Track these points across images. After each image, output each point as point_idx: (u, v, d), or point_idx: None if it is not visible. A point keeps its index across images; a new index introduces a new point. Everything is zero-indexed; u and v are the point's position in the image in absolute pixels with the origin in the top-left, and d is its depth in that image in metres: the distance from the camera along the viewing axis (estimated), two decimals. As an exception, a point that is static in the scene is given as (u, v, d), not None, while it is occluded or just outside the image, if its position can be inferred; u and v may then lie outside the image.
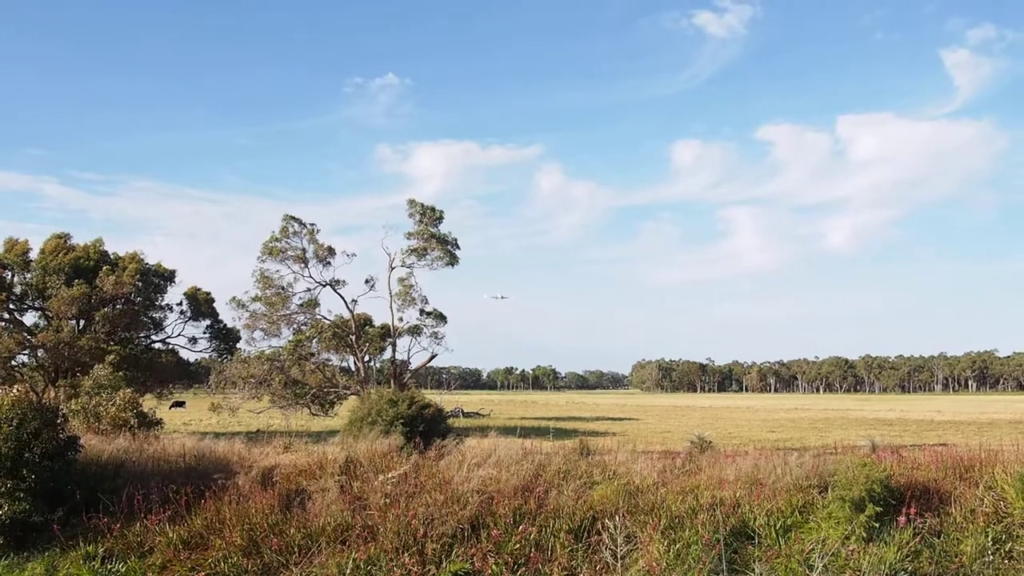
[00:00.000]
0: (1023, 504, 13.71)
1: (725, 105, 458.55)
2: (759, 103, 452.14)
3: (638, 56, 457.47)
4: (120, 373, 32.71)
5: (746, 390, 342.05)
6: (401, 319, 38.75)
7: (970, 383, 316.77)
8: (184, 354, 55.10)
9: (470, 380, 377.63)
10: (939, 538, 13.64)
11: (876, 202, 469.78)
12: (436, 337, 39.45)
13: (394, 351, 39.19)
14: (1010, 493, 14.18)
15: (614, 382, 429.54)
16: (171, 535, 14.31)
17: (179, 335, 54.05)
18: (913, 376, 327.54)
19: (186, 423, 51.28)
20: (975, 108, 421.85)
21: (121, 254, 50.53)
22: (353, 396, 37.07)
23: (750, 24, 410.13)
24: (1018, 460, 15.22)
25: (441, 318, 39.63)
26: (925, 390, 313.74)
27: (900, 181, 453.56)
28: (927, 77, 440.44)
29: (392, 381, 37.47)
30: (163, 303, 52.73)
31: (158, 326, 53.22)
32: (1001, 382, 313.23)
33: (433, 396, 32.06)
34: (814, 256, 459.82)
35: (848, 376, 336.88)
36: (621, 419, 71.54)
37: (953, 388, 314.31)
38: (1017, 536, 13.51)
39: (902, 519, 13.52)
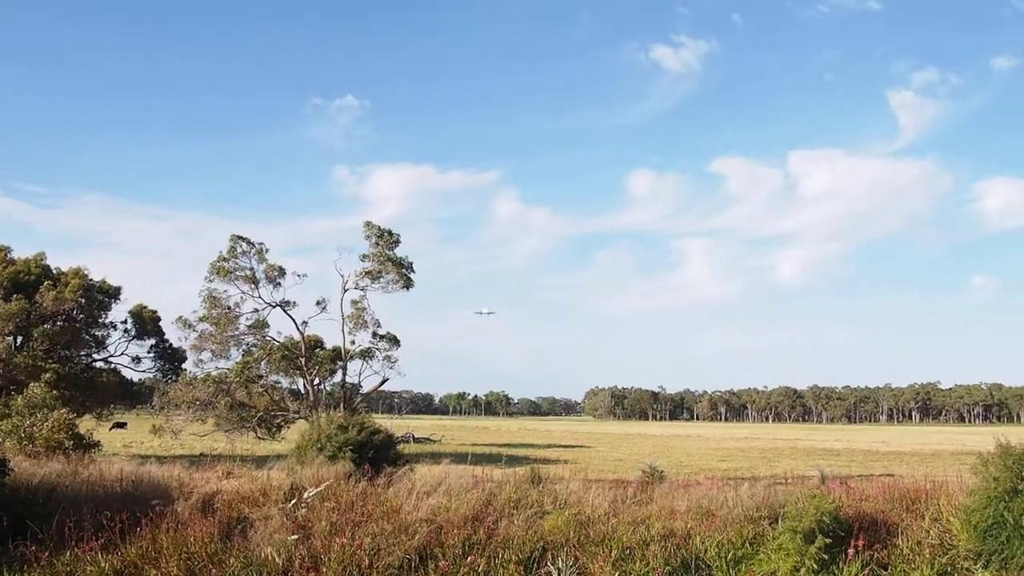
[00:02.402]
0: (967, 536, 13.78)
1: (681, 137, 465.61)
2: (713, 136, 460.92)
3: (596, 87, 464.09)
4: (55, 392, 31.73)
5: (697, 418, 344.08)
6: (353, 342, 38.36)
7: (914, 414, 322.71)
8: (127, 374, 53.86)
9: (422, 405, 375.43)
10: (887, 570, 13.64)
11: (826, 236, 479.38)
12: (389, 361, 39.10)
13: (344, 374, 38.72)
14: (955, 525, 14.26)
15: (567, 409, 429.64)
16: (103, 565, 13.72)
17: (122, 354, 52.88)
18: (859, 407, 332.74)
19: (126, 445, 49.96)
20: (919, 148, 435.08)
21: (64, 269, 49.36)
22: (302, 420, 36.47)
23: (705, 60, 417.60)
24: (962, 492, 15.31)
25: (394, 341, 39.29)
26: (871, 420, 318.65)
27: (849, 216, 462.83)
28: (874, 116, 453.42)
29: (342, 405, 36.94)
30: (107, 321, 51.56)
31: (100, 344, 51.96)
32: (943, 413, 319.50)
33: (384, 421, 31.68)
34: (765, 288, 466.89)
35: (796, 406, 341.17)
36: (573, 446, 71.42)
37: (898, 419, 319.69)
38: (962, 568, 13.56)
39: (851, 551, 13.51)
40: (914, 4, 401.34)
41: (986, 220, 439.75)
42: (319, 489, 14.98)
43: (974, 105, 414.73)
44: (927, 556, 13.76)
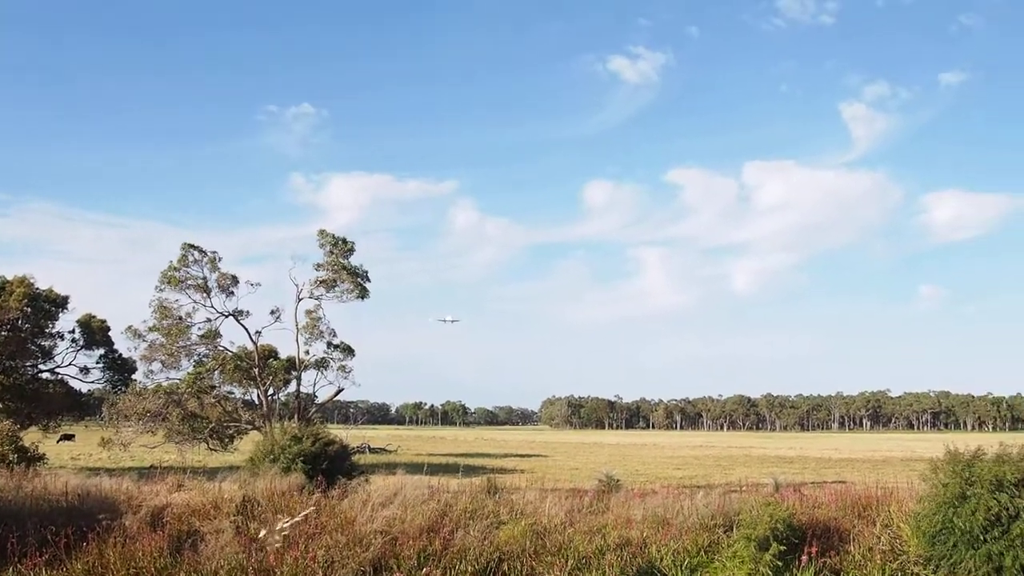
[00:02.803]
0: (917, 542, 13.96)
1: (637, 148, 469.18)
2: (670, 147, 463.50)
3: (554, 97, 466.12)
4: None
5: (653, 427, 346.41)
6: (307, 352, 37.96)
7: (865, 422, 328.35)
8: (75, 384, 52.67)
9: (378, 415, 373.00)
10: (839, 576, 13.78)
11: (779, 247, 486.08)
12: (343, 371, 38.73)
13: (299, 385, 38.31)
14: (905, 531, 14.44)
15: (523, 418, 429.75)
16: (49, 580, 13.37)
17: (70, 364, 51.69)
18: (812, 415, 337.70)
19: (74, 458, 48.90)
20: (871, 160, 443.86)
21: (9, 277, 48.14)
22: (255, 431, 35.95)
23: (663, 71, 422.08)
24: (912, 499, 15.51)
25: (349, 351, 38.94)
26: (823, 428, 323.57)
27: (802, 227, 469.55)
28: (827, 129, 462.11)
29: (296, 415, 36.51)
30: (54, 330, 50.37)
31: (47, 354, 50.75)
32: (893, 421, 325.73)
33: (339, 431, 31.27)
34: (720, 297, 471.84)
35: (751, 414, 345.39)
36: (530, 456, 71.41)
37: (849, 426, 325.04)
38: (912, 573, 13.72)
39: (804, 558, 13.60)
40: (866, 19, 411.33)
41: (934, 231, 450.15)
42: (295, 520, 14.56)
43: (923, 119, 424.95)
44: (878, 562, 13.91)
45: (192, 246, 36.21)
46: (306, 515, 14.78)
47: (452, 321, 79.54)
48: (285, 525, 14.08)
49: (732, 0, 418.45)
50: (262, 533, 13.99)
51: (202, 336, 36.61)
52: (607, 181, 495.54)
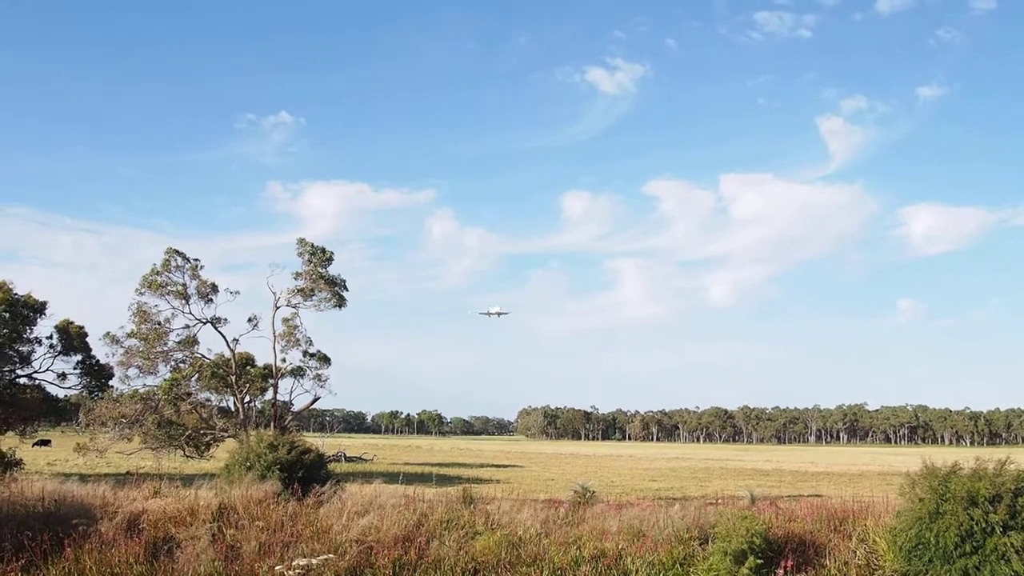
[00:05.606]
0: (893, 557, 14.06)
1: (615, 159, 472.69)
2: (647, 159, 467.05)
3: (531, 108, 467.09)
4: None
5: (629, 438, 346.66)
6: (284, 360, 37.79)
7: (841, 435, 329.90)
8: (52, 390, 52.14)
9: (354, 423, 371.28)
10: (814, 590, 13.87)
11: (756, 259, 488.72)
12: (320, 379, 38.58)
13: (275, 393, 38.08)
14: (881, 546, 14.55)
15: (499, 428, 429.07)
16: (24, 587, 13.29)
17: (47, 370, 51.16)
18: (788, 427, 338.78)
19: (50, 463, 48.54)
20: (847, 173, 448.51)
21: (-14, 283, 47.64)
22: (231, 438, 35.73)
23: (640, 83, 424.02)
24: (888, 513, 15.64)
25: (325, 360, 38.80)
26: (799, 441, 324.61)
27: (778, 239, 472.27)
28: (804, 142, 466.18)
29: (273, 423, 36.37)
30: (31, 336, 49.89)
31: (25, 360, 50.22)
32: (870, 435, 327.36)
33: (315, 439, 31.19)
34: (697, 309, 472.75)
35: (727, 426, 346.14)
36: (505, 466, 71.29)
37: (825, 440, 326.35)
38: (887, 588, 13.85)
39: (780, 572, 13.69)
40: (844, 33, 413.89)
41: (911, 245, 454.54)
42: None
43: (901, 132, 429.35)
44: (854, 576, 14.02)
45: (176, 251, 36.08)
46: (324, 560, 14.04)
47: (500, 314, 69.94)
48: (301, 563, 13.58)
49: (709, 13, 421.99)
50: (278, 568, 13.54)
51: (180, 342, 36.39)
52: (584, 192, 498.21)
